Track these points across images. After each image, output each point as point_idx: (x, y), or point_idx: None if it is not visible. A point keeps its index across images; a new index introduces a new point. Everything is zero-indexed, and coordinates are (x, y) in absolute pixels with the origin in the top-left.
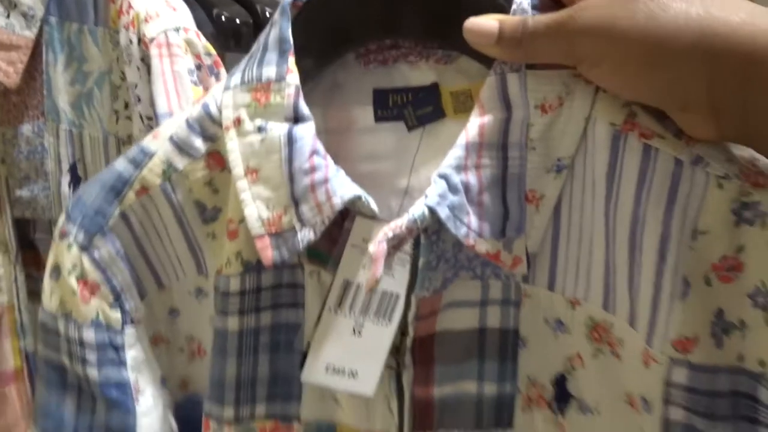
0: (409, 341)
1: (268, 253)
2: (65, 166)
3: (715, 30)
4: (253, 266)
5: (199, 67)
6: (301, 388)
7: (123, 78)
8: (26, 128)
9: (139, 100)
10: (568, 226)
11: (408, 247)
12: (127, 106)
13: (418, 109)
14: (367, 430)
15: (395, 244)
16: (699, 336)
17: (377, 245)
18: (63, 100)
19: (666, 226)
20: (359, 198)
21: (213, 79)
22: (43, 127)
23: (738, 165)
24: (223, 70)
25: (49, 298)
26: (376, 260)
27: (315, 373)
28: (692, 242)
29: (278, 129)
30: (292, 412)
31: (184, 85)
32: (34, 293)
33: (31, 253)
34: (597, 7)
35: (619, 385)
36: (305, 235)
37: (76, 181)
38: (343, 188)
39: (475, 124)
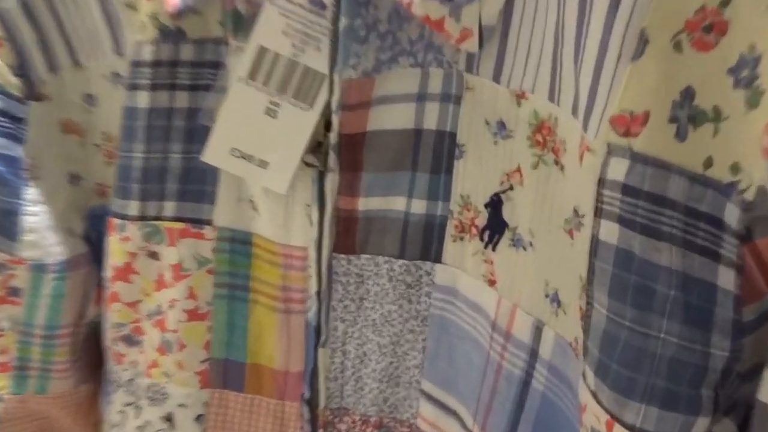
0: (334, 137)
1: None
2: None
3: None
4: (170, 33)
5: None
6: (216, 188)
7: None
8: None
9: None
10: (521, 15)
11: (330, 5)
12: None
13: None
14: (284, 244)
15: None
16: (650, 113)
17: None
18: None
19: None
20: None
21: None
22: None
23: None
24: None
25: None
26: None
27: (217, 153)
28: None
29: None
30: (204, 216)
31: None
32: None
33: None
34: None
35: (561, 206)
36: None
37: None
38: None
39: None
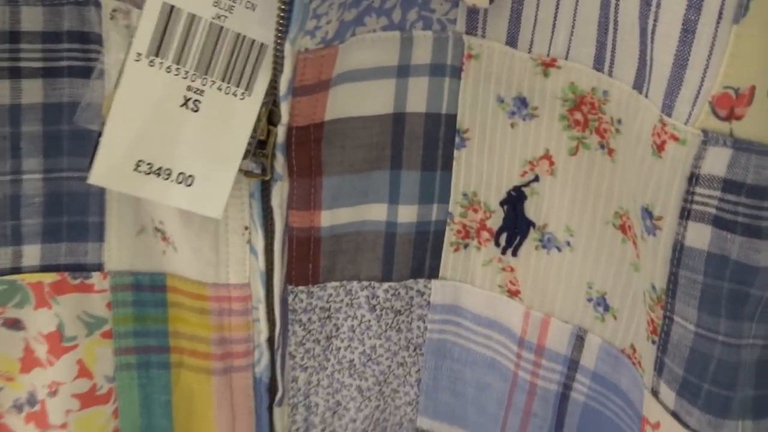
0: (281, 133)
1: None
2: None
3: None
4: None
5: None
6: (104, 218)
7: None
8: None
9: None
10: None
11: None
12: None
13: None
14: (216, 284)
15: None
16: (755, 88)
17: None
18: None
19: None
20: None
21: None
22: None
23: None
24: None
25: None
26: None
27: (113, 172)
28: None
29: None
30: (89, 259)
31: None
32: None
33: None
34: None
35: (609, 197)
36: None
37: None
38: None
39: None
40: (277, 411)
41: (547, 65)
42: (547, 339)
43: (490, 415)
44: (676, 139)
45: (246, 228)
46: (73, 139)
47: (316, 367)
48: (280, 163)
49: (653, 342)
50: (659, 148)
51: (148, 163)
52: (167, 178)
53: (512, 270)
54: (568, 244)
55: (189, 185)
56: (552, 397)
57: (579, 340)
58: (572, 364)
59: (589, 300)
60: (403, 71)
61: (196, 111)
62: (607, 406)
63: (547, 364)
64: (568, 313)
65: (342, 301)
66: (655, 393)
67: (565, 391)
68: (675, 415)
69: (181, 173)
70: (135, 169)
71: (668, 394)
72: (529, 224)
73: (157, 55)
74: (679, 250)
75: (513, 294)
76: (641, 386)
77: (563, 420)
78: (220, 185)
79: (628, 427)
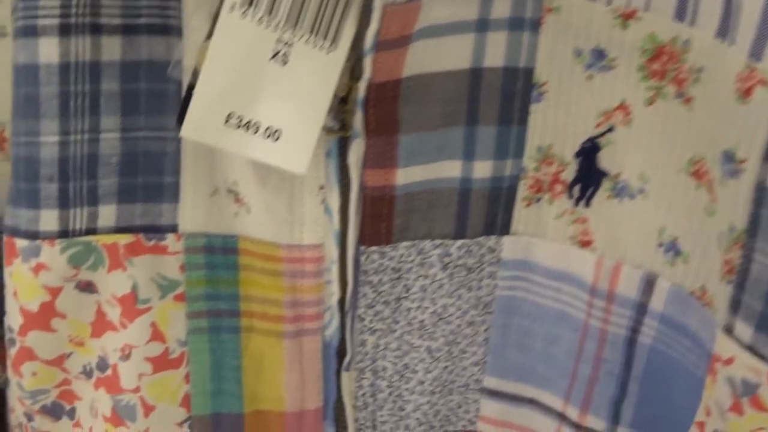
0: (362, 89)
1: None
2: None
3: None
4: None
5: None
6: (179, 178)
7: None
8: None
9: None
10: None
11: None
12: None
13: None
14: (290, 245)
15: None
16: None
17: None
18: None
19: None
20: None
21: None
22: None
23: None
24: None
25: None
26: None
27: (206, 125)
28: None
29: None
30: (163, 220)
31: None
32: None
33: None
34: None
35: (685, 145)
36: None
37: None
38: None
39: None
40: (345, 376)
41: (627, 17)
42: (618, 285)
43: (559, 367)
44: (765, 83)
45: (321, 187)
46: (150, 97)
47: (385, 329)
48: (358, 120)
49: (729, 282)
50: (745, 93)
51: (238, 117)
52: (255, 132)
53: (585, 221)
54: (642, 191)
55: (276, 140)
56: (621, 342)
57: (648, 284)
58: (641, 308)
59: (660, 245)
60: (482, 25)
61: (285, 64)
62: (674, 347)
63: (617, 309)
64: (639, 259)
65: (413, 261)
66: (728, 330)
67: (633, 336)
68: (751, 348)
69: (268, 128)
70: (225, 123)
71: (744, 330)
72: (603, 174)
73: (250, 6)
74: (761, 190)
75: (585, 245)
76: (713, 325)
77: (631, 362)
78: (304, 141)
79: (694, 366)
